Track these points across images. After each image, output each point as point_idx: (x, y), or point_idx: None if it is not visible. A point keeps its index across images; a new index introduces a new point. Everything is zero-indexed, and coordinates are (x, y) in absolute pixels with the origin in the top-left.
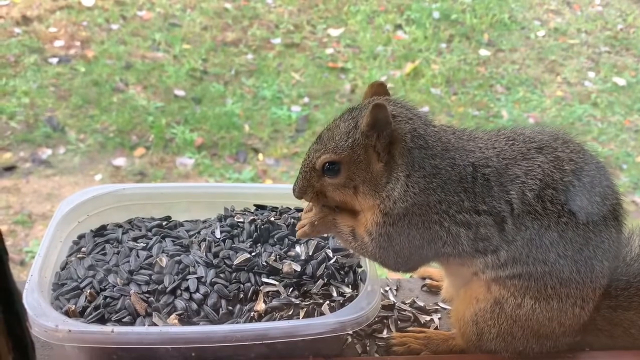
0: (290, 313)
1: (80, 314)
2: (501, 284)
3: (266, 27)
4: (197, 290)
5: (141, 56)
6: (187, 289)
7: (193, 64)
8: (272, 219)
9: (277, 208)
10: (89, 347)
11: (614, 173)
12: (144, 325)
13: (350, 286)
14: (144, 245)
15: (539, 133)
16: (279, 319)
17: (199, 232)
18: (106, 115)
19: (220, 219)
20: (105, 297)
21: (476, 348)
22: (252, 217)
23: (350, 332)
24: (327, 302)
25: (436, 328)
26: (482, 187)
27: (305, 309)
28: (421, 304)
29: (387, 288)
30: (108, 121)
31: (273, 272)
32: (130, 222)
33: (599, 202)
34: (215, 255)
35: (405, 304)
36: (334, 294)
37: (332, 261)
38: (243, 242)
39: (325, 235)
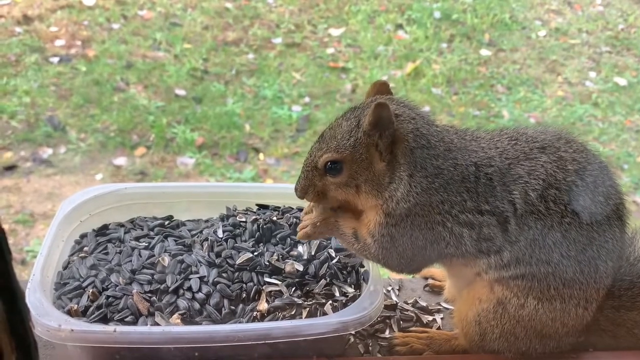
0: (292, 313)
1: (83, 313)
2: (504, 285)
3: (267, 26)
4: (200, 289)
5: (142, 55)
6: (189, 289)
7: (194, 64)
8: (275, 218)
9: (279, 207)
10: (92, 346)
11: (615, 173)
12: (147, 324)
13: (352, 286)
14: (146, 244)
15: (542, 133)
16: (282, 319)
17: (201, 232)
18: (107, 114)
19: (222, 218)
20: (108, 297)
21: (479, 348)
22: (254, 217)
23: (353, 332)
24: (330, 302)
25: (439, 328)
26: (484, 187)
27: (307, 309)
28: (424, 304)
29: (390, 288)
30: (109, 120)
31: (275, 271)
32: (132, 221)
33: (602, 202)
34: (218, 255)
35: (407, 303)
36: (337, 293)
37: (334, 261)
38: (245, 241)
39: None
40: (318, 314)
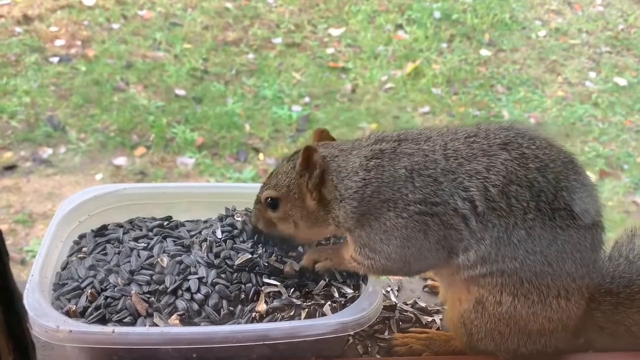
0: (291, 314)
1: (81, 314)
2: (478, 283)
3: (267, 26)
4: (199, 290)
5: (142, 55)
6: (188, 290)
7: (194, 64)
8: None
9: None
10: (90, 347)
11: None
12: (145, 325)
13: (351, 287)
14: (145, 245)
15: (505, 129)
16: (281, 320)
17: (200, 232)
18: (107, 114)
19: (221, 218)
20: (106, 298)
21: (471, 348)
22: None
23: (352, 333)
24: (329, 302)
25: (438, 329)
26: (422, 182)
27: (306, 310)
28: (423, 304)
29: (389, 289)
30: (109, 120)
31: (274, 272)
32: (131, 222)
33: (564, 197)
34: (217, 256)
35: (406, 304)
36: (336, 294)
37: None
38: (244, 242)
39: (325, 241)
40: (317, 314)
